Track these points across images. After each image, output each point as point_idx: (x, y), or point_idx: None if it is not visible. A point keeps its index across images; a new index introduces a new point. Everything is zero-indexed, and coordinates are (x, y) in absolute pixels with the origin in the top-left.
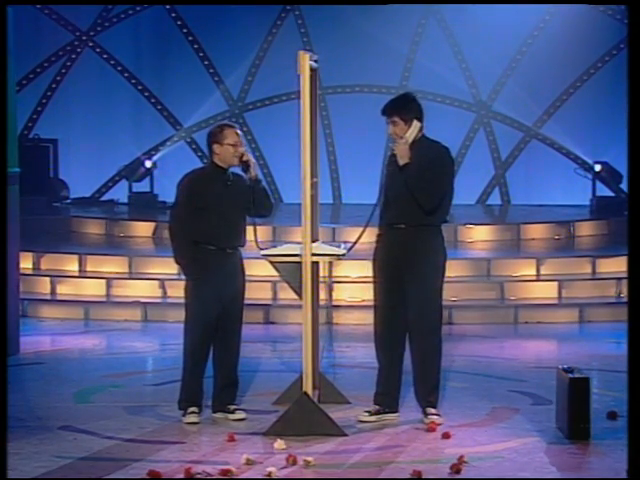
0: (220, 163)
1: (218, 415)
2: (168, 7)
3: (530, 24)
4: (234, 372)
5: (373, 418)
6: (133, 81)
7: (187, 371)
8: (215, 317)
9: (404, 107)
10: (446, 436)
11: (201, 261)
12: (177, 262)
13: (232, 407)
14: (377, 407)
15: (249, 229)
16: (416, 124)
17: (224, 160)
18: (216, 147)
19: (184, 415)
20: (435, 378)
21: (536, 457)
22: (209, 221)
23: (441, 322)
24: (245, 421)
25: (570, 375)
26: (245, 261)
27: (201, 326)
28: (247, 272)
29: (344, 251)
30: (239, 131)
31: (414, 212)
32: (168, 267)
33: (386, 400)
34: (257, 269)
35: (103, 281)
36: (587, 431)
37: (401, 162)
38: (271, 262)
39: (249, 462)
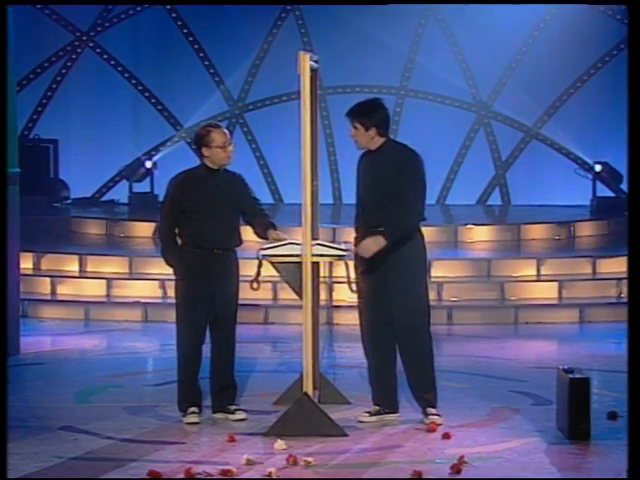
0: (210, 164)
1: (218, 415)
2: (168, 7)
3: (530, 24)
4: (230, 375)
5: (373, 418)
6: (133, 81)
7: (181, 371)
8: (205, 318)
9: (365, 114)
10: (446, 436)
11: (188, 261)
12: (166, 261)
13: (232, 407)
14: (377, 407)
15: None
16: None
17: (214, 162)
18: (205, 150)
19: (184, 416)
20: (431, 377)
21: (536, 457)
22: (197, 222)
23: (429, 321)
24: (245, 421)
25: (570, 375)
26: (244, 261)
27: (190, 327)
28: (246, 272)
29: (345, 252)
30: (225, 130)
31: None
32: (168, 267)
33: (386, 400)
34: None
35: (103, 281)
36: (587, 431)
37: (376, 248)
38: (271, 262)
39: (249, 462)
